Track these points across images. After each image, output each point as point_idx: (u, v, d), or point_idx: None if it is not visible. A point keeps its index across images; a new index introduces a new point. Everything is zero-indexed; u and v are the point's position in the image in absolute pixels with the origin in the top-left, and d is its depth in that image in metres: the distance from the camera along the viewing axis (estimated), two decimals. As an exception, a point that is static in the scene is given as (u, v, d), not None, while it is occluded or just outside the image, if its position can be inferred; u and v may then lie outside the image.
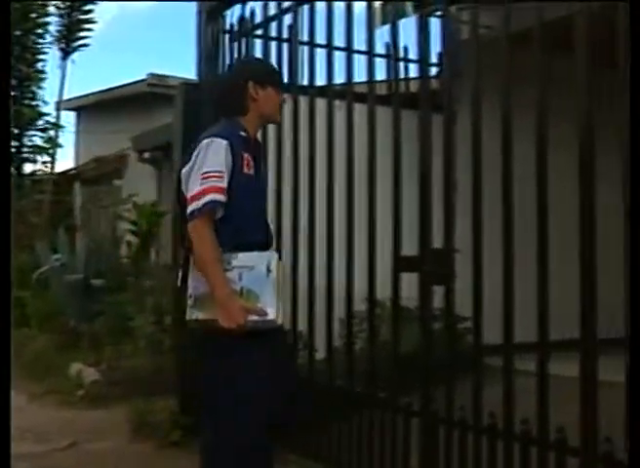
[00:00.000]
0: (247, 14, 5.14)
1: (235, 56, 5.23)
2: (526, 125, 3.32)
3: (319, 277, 4.40)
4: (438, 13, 3.88)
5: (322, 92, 4.47)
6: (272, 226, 3.39)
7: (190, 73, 5.58)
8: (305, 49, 4.63)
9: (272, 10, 4.86)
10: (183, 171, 3.12)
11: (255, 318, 2.94)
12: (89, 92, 14.89)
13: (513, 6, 3.40)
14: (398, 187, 3.96)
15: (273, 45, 4.88)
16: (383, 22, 5.00)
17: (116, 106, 13.54)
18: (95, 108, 14.63)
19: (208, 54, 5.33)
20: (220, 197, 2.99)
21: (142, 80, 11.97)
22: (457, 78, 3.77)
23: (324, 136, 4.43)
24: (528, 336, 3.26)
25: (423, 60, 3.87)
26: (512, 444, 3.33)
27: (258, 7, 5.05)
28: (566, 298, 3.48)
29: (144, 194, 10.58)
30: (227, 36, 5.31)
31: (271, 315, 2.96)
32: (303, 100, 4.59)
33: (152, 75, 11.76)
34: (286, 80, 4.73)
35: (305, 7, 4.59)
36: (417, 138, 3.84)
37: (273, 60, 4.86)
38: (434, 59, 3.95)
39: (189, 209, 2.99)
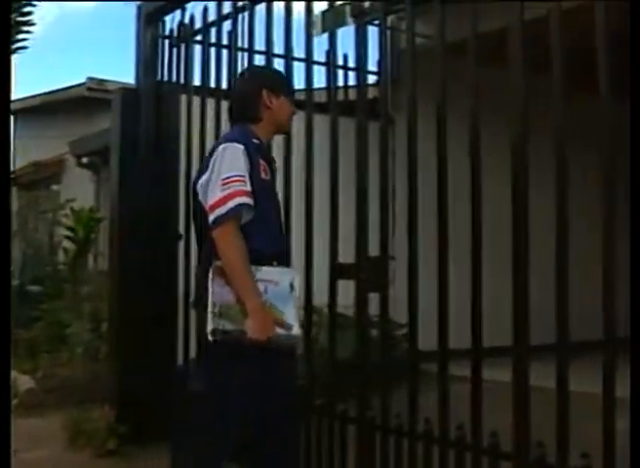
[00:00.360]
0: (186, 19, 5.13)
1: (174, 61, 5.21)
2: (464, 132, 3.36)
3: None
4: (376, 22, 3.90)
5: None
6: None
7: (131, 78, 5.53)
8: (245, 55, 4.63)
9: (212, 16, 4.85)
10: (201, 181, 3.01)
11: (281, 331, 2.86)
12: (27, 95, 14.63)
13: (450, 16, 3.44)
14: (335, 195, 3.98)
15: (212, 51, 4.87)
16: (324, 30, 5.01)
17: (55, 110, 13.32)
18: (33, 112, 14.36)
19: (146, 59, 5.29)
20: (248, 200, 2.89)
21: (82, 84, 11.79)
22: (394, 86, 3.80)
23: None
24: (463, 343, 3.31)
25: (361, 68, 3.89)
26: (447, 449, 3.36)
27: (197, 12, 5.04)
28: (500, 305, 3.53)
29: (83, 199, 10.43)
30: (167, 41, 5.29)
31: (295, 331, 2.92)
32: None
33: (91, 79, 11.59)
34: (225, 86, 4.74)
35: (246, 13, 4.58)
36: (354, 146, 3.87)
37: (212, 67, 4.86)
38: (374, 67, 3.99)
39: (212, 216, 2.88)
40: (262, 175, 3.01)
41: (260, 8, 4.47)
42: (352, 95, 4.45)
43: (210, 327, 2.82)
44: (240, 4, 4.60)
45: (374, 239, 3.73)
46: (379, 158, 3.75)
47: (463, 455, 3.29)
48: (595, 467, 2.82)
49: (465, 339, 3.27)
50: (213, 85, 4.87)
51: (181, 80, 5.17)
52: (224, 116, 4.68)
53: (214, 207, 2.88)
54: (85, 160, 11.29)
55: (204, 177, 2.99)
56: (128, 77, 5.78)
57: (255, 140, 3.06)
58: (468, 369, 3.28)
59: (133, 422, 4.95)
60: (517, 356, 3.10)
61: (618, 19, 2.87)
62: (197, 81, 5.05)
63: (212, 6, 4.87)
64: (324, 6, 4.73)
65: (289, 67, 4.30)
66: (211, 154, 3.03)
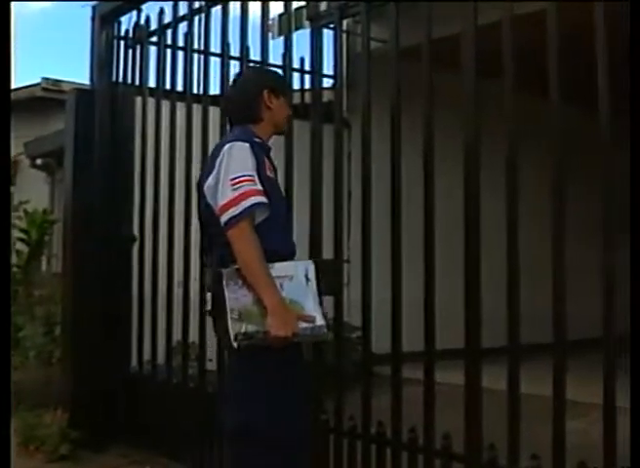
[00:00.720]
0: (142, 20, 5.10)
1: (129, 62, 5.18)
2: (418, 135, 3.38)
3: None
4: (333, 25, 3.91)
5: (215, 100, 4.44)
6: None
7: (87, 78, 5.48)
8: (201, 57, 4.62)
9: (168, 17, 4.82)
10: (208, 182, 2.92)
11: (304, 325, 2.79)
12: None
13: (405, 21, 3.46)
14: (289, 197, 3.97)
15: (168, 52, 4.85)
16: (280, 33, 5.02)
17: (9, 110, 13.14)
18: (-14, 112, 14.17)
19: (101, 59, 5.25)
20: (262, 198, 2.82)
21: (36, 84, 11.64)
22: (350, 90, 3.81)
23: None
24: (417, 345, 3.32)
25: (316, 71, 3.90)
26: (400, 451, 3.37)
27: (153, 14, 5.01)
28: (453, 308, 3.55)
29: (37, 201, 10.29)
30: (122, 42, 5.25)
31: (319, 321, 2.83)
32: (197, 109, 4.56)
33: (46, 79, 11.45)
34: (180, 88, 4.72)
35: (202, 15, 4.56)
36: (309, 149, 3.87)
37: (168, 68, 4.83)
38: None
39: (225, 217, 2.79)
40: (268, 173, 2.96)
41: (216, 10, 4.45)
42: (309, 97, 4.46)
43: (232, 332, 2.74)
44: (196, 6, 4.58)
45: (328, 242, 3.73)
46: (333, 161, 3.76)
47: (416, 457, 3.30)
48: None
49: (420, 342, 3.29)
50: (168, 86, 4.84)
51: (137, 81, 5.13)
52: (180, 118, 4.70)
53: (226, 207, 2.81)
54: (39, 161, 11.13)
55: (210, 179, 2.91)
56: (84, 78, 5.73)
57: (257, 139, 3.01)
58: (422, 371, 3.30)
59: (86, 426, 4.90)
60: (469, 358, 3.12)
61: (569, 23, 2.93)
62: (153, 82, 5.01)
63: (168, 7, 4.85)
64: (281, 9, 4.74)
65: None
66: (214, 155, 2.96)
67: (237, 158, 2.87)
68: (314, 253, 3.71)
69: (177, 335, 4.63)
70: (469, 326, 3.11)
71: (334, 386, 3.71)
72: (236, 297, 2.77)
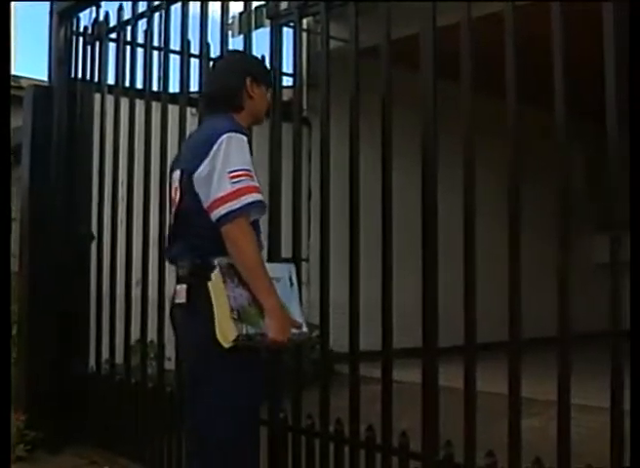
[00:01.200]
0: (101, 17, 5.06)
1: (88, 59, 5.13)
2: (378, 134, 3.39)
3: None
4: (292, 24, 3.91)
5: (175, 98, 4.42)
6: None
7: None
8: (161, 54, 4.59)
9: (127, 14, 4.78)
10: (199, 171, 2.75)
11: (294, 331, 2.75)
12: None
13: (366, 21, 3.47)
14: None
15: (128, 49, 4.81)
16: (240, 31, 5.01)
17: (-34, 107, 12.96)
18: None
19: (60, 56, 5.20)
20: (262, 197, 2.74)
21: (-6, 80, 11.49)
22: (310, 88, 3.81)
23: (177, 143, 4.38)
24: (376, 344, 3.33)
25: (275, 70, 3.89)
26: (358, 450, 3.38)
27: (113, 10, 4.97)
28: (411, 307, 3.56)
29: (-6, 199, 10.16)
30: (81, 39, 5.21)
31: (304, 327, 2.81)
32: (156, 106, 4.53)
33: (5, 75, 11.30)
34: (140, 86, 4.68)
35: (162, 12, 4.53)
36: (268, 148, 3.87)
37: (127, 66, 4.79)
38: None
39: (221, 211, 2.67)
40: None
41: (176, 7, 4.42)
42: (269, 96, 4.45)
43: (234, 333, 2.63)
44: (156, 3, 4.55)
45: (287, 241, 3.72)
46: (292, 160, 3.75)
47: (374, 455, 3.32)
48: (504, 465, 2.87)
49: (378, 341, 3.30)
50: (127, 84, 4.80)
51: (95, 78, 5.09)
52: (139, 115, 4.66)
53: (222, 201, 2.68)
54: (-3, 158, 10.97)
55: (202, 168, 2.74)
56: (42, 74, 5.67)
57: (245, 131, 2.91)
58: (379, 370, 3.31)
59: (44, 427, 4.85)
60: (427, 357, 3.14)
61: (528, 24, 2.96)
62: (112, 79, 4.97)
63: (127, 4, 4.81)
64: (242, 7, 4.73)
65: (203, 67, 4.27)
66: (206, 142, 2.77)
67: (236, 150, 2.75)
68: (273, 252, 3.70)
69: (135, 334, 4.60)
70: (426, 324, 3.13)
71: (293, 385, 3.71)
72: (234, 296, 2.68)
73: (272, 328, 2.67)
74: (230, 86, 2.99)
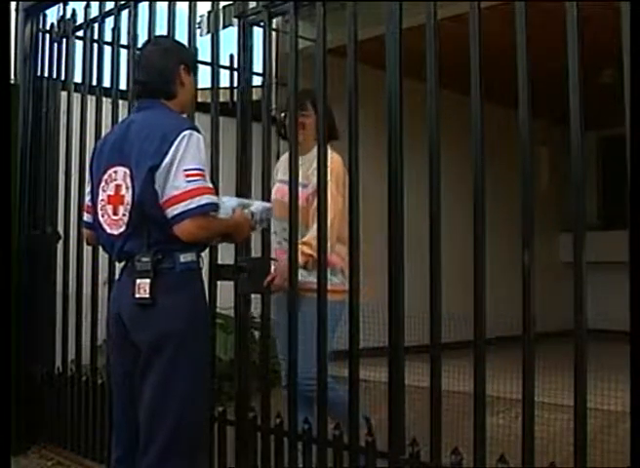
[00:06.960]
0: (68, 14, 5.01)
1: (55, 56, 5.08)
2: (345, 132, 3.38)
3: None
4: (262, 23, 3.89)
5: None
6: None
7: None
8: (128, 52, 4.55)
9: (95, 11, 4.74)
10: (164, 165, 2.74)
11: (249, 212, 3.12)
12: None
13: (333, 21, 3.47)
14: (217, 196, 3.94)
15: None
16: (208, 31, 4.98)
17: None
18: None
19: (25, 53, 5.16)
20: (215, 199, 2.82)
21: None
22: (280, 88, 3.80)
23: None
24: (344, 343, 3.33)
25: (243, 69, 3.88)
26: (326, 449, 3.38)
27: (78, 8, 4.93)
28: (378, 306, 3.56)
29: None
30: (47, 36, 5.16)
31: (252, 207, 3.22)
32: (122, 105, 4.50)
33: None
34: (107, 84, 4.65)
35: (131, 10, 4.49)
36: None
37: (94, 63, 4.75)
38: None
39: (180, 208, 2.71)
40: None
41: (144, 5, 4.39)
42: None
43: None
44: (122, 2, 4.51)
45: (257, 240, 3.71)
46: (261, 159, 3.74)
47: (341, 454, 3.32)
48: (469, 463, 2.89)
49: (345, 339, 3.30)
50: (94, 82, 4.76)
51: (62, 76, 5.04)
52: (105, 113, 4.63)
53: (182, 198, 2.72)
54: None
55: (164, 165, 2.74)
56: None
57: (199, 129, 2.91)
58: (346, 369, 3.31)
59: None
60: (393, 355, 3.14)
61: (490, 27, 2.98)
62: (78, 77, 4.92)
63: (94, 2, 4.76)
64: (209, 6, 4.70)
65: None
66: (164, 140, 2.76)
67: (194, 149, 2.77)
68: (242, 251, 3.69)
69: (102, 335, 4.56)
70: (392, 323, 3.13)
71: (260, 385, 3.69)
72: None
73: (237, 233, 3.09)
74: (166, 72, 2.98)
